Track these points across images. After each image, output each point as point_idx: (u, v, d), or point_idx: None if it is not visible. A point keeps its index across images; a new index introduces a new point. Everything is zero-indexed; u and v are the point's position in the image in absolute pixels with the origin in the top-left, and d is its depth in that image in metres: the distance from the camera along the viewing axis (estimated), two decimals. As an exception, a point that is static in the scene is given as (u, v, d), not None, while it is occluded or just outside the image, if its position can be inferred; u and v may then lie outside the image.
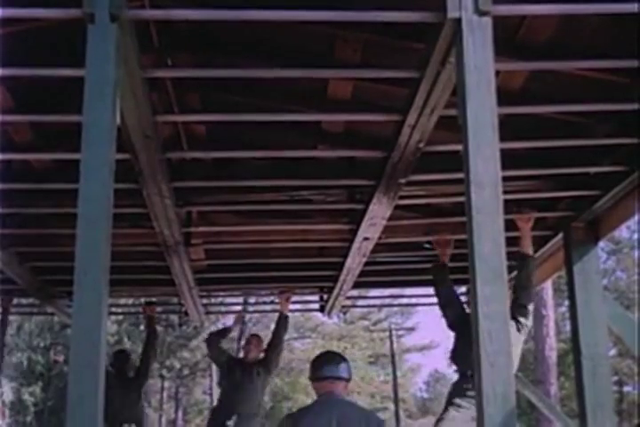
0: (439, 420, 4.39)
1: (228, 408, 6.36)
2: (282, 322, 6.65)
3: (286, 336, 6.98)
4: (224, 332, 7.01)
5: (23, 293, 6.50)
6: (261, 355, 6.62)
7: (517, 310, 4.41)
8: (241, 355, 6.79)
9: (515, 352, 3.92)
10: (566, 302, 19.01)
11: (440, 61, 2.84)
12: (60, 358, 25.53)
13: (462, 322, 4.35)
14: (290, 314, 6.80)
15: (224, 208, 5.10)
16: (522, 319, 4.44)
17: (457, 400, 4.36)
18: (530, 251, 4.69)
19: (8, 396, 23.13)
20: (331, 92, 4.10)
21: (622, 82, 3.47)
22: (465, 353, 3.90)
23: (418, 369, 38.10)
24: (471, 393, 4.14)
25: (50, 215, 4.97)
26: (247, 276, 6.30)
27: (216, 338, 6.77)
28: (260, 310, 15.37)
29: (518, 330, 4.42)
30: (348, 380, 3.89)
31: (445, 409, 4.40)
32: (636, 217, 4.74)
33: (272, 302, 8.36)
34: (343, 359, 3.98)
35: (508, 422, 2.23)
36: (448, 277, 4.91)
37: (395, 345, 31.92)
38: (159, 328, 31.15)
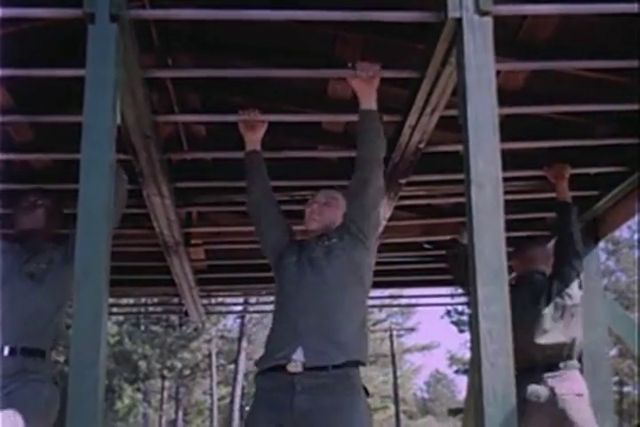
0: None
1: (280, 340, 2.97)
2: (366, 119, 3.10)
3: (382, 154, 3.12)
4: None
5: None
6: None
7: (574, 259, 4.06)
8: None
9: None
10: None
11: (440, 61, 2.84)
12: (61, 359, 25.48)
13: None
14: None
15: (224, 208, 5.09)
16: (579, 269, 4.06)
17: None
18: (569, 198, 4.17)
19: None
20: (331, 93, 4.10)
21: (622, 82, 3.47)
22: None
23: (418, 369, 38.10)
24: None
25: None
26: (247, 276, 6.29)
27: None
28: (260, 310, 15.33)
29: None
30: None
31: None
32: (636, 217, 4.74)
33: (272, 303, 8.32)
34: None
35: (508, 422, 2.23)
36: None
37: (395, 345, 31.96)
38: (159, 329, 30.97)
